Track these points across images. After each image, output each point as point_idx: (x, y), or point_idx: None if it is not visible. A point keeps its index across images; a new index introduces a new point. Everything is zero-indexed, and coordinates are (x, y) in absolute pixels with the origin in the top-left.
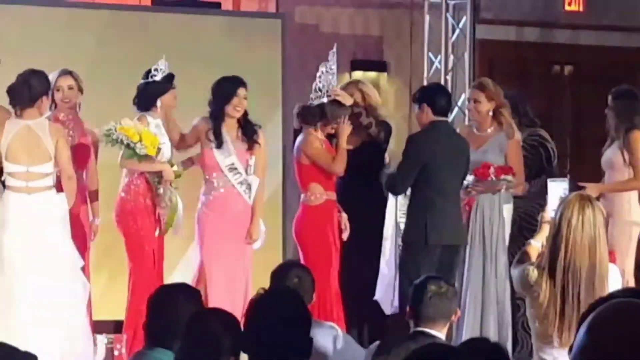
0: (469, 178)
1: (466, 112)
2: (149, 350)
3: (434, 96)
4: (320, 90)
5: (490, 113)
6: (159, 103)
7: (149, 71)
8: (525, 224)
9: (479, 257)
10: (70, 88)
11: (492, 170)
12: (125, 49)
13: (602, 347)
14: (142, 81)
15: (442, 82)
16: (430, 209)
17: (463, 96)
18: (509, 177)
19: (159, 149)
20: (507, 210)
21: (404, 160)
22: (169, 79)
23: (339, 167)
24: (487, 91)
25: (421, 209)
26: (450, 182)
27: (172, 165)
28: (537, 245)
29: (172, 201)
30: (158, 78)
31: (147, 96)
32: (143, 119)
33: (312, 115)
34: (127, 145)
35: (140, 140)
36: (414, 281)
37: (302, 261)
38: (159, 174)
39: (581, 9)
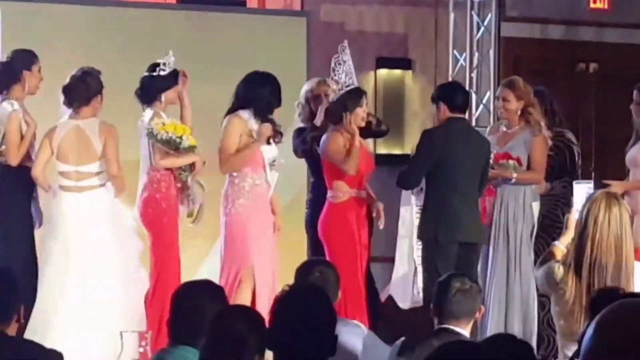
0: None
1: (491, 109)
2: (173, 347)
3: (451, 93)
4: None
5: (519, 112)
6: (162, 98)
7: (156, 64)
8: (547, 222)
9: (503, 254)
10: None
11: (492, 155)
12: (149, 47)
13: (611, 346)
14: (146, 74)
15: (467, 80)
16: (444, 206)
17: (488, 94)
18: (510, 162)
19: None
20: (535, 207)
21: (416, 154)
22: (174, 75)
23: (349, 165)
24: (516, 90)
25: (434, 206)
26: (468, 181)
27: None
28: (561, 246)
29: (204, 190)
30: (165, 73)
31: (153, 90)
32: (158, 114)
33: (332, 112)
34: (173, 141)
35: (185, 133)
36: (433, 278)
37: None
38: (191, 166)
39: (606, 6)
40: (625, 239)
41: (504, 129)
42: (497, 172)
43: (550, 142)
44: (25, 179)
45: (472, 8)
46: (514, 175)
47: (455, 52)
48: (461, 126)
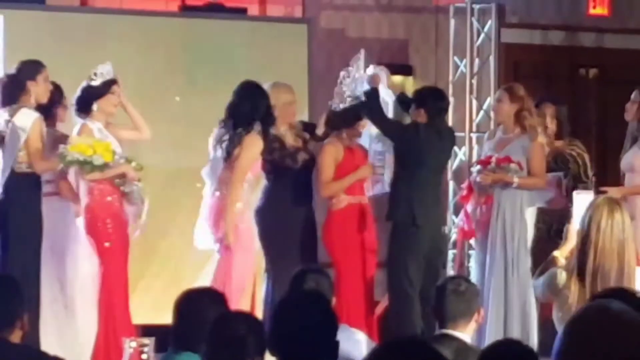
0: (475, 168)
1: (491, 115)
2: (175, 354)
3: (430, 101)
4: (343, 94)
5: (513, 116)
6: (95, 107)
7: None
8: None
9: (500, 259)
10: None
11: (493, 159)
12: (151, 55)
13: (579, 348)
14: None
15: (467, 86)
16: (418, 189)
17: (488, 100)
18: (512, 166)
19: (113, 152)
20: (530, 213)
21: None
22: (108, 84)
23: (326, 190)
24: (513, 94)
25: (407, 188)
26: (434, 178)
27: (130, 162)
28: (561, 257)
29: (141, 197)
30: (96, 83)
31: (83, 100)
32: (85, 127)
33: (337, 121)
34: (85, 162)
35: (95, 152)
36: (400, 265)
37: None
38: (123, 175)
39: (606, 12)
40: (627, 245)
41: (501, 134)
42: (498, 176)
43: (547, 148)
44: (38, 186)
45: (472, 14)
46: (516, 180)
47: (455, 58)
48: (437, 129)
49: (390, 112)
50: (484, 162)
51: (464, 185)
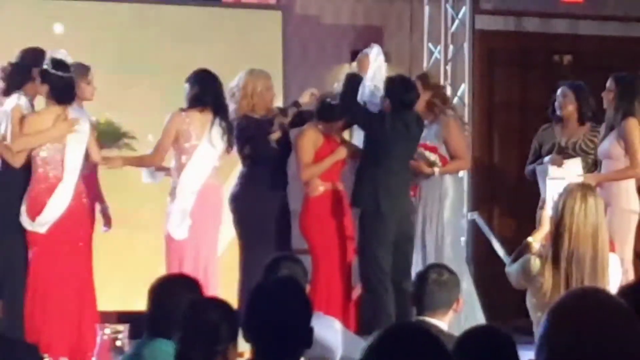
0: None
1: (466, 102)
2: (149, 340)
3: (396, 92)
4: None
5: (425, 104)
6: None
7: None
8: None
9: (419, 252)
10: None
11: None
12: (125, 40)
13: (562, 332)
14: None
15: (442, 73)
16: (384, 177)
17: (463, 86)
18: (427, 153)
19: None
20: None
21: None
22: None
23: (306, 173)
24: (424, 81)
25: (373, 175)
26: (400, 166)
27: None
28: (535, 244)
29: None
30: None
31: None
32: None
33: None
34: None
35: None
36: (372, 251)
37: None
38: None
39: None
40: (601, 230)
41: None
42: (416, 164)
43: (461, 122)
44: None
45: (446, 1)
46: (436, 169)
47: (430, 44)
48: (404, 119)
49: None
50: None
51: None
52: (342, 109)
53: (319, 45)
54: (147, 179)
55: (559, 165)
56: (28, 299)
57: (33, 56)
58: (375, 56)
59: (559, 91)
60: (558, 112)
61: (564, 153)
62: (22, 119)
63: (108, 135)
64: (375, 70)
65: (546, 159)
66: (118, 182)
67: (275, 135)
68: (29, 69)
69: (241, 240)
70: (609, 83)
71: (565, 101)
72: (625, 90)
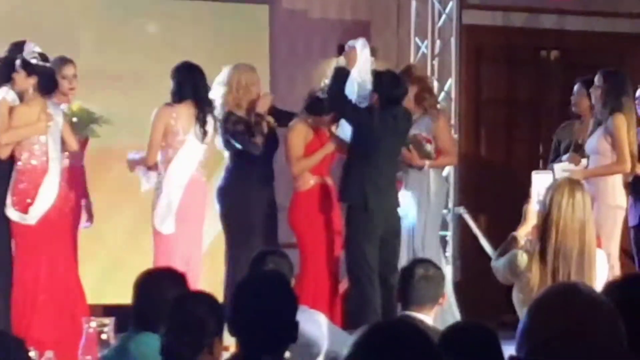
0: None
1: (452, 97)
2: (135, 334)
3: (384, 87)
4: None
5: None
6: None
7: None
8: None
9: (407, 246)
10: (74, 76)
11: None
12: (114, 33)
13: (541, 327)
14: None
15: (429, 67)
16: (370, 173)
17: (450, 81)
18: (424, 143)
19: None
20: (441, 194)
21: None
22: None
23: (297, 167)
24: (410, 75)
25: (360, 171)
26: (388, 164)
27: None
28: (520, 237)
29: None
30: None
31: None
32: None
33: (321, 107)
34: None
35: None
36: (359, 246)
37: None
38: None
39: None
40: (588, 225)
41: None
42: (409, 155)
43: (451, 120)
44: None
45: None
46: (427, 163)
47: (417, 39)
48: (392, 114)
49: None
50: None
51: None
52: (330, 102)
53: (306, 40)
54: (145, 187)
55: (577, 163)
56: (15, 292)
57: (19, 49)
58: (360, 49)
59: (575, 87)
60: (574, 109)
61: (582, 151)
62: (10, 110)
63: (80, 122)
64: (361, 64)
65: (564, 157)
66: (103, 175)
67: (259, 140)
68: (14, 62)
69: (228, 234)
70: (597, 79)
71: (579, 98)
72: (613, 86)
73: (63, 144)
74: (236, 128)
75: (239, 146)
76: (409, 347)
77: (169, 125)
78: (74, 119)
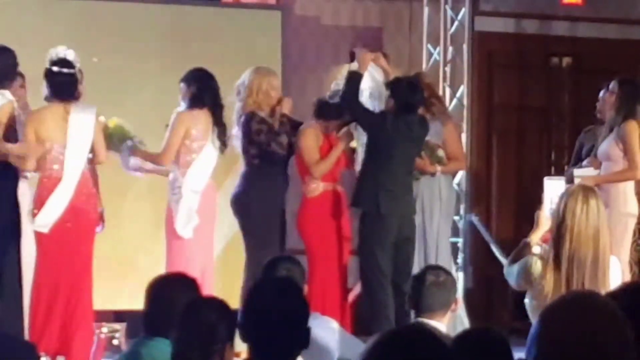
0: None
1: (464, 103)
2: (147, 339)
3: (402, 94)
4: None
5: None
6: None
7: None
8: None
9: (420, 252)
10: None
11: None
12: (125, 41)
13: (551, 334)
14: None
15: (441, 74)
16: (384, 178)
17: (462, 88)
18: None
19: None
20: (452, 198)
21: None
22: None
23: (318, 170)
24: (418, 81)
25: (373, 177)
26: (403, 169)
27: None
28: (532, 244)
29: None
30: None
31: None
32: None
33: (330, 112)
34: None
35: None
36: (371, 252)
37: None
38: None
39: (580, 1)
40: (602, 232)
41: None
42: (421, 163)
43: (462, 126)
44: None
45: (446, 2)
46: (438, 169)
47: (429, 46)
48: (406, 120)
49: (376, 98)
50: None
51: None
52: (343, 106)
53: (318, 46)
54: (123, 167)
55: (597, 167)
56: (33, 298)
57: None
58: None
59: (600, 93)
60: (598, 115)
61: None
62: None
63: (115, 139)
64: (371, 74)
65: (585, 161)
66: (117, 180)
67: (284, 140)
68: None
69: (246, 240)
70: (612, 85)
71: (602, 103)
72: (628, 94)
73: (92, 153)
74: (261, 127)
75: (261, 146)
76: (424, 354)
77: (189, 130)
78: (110, 135)
